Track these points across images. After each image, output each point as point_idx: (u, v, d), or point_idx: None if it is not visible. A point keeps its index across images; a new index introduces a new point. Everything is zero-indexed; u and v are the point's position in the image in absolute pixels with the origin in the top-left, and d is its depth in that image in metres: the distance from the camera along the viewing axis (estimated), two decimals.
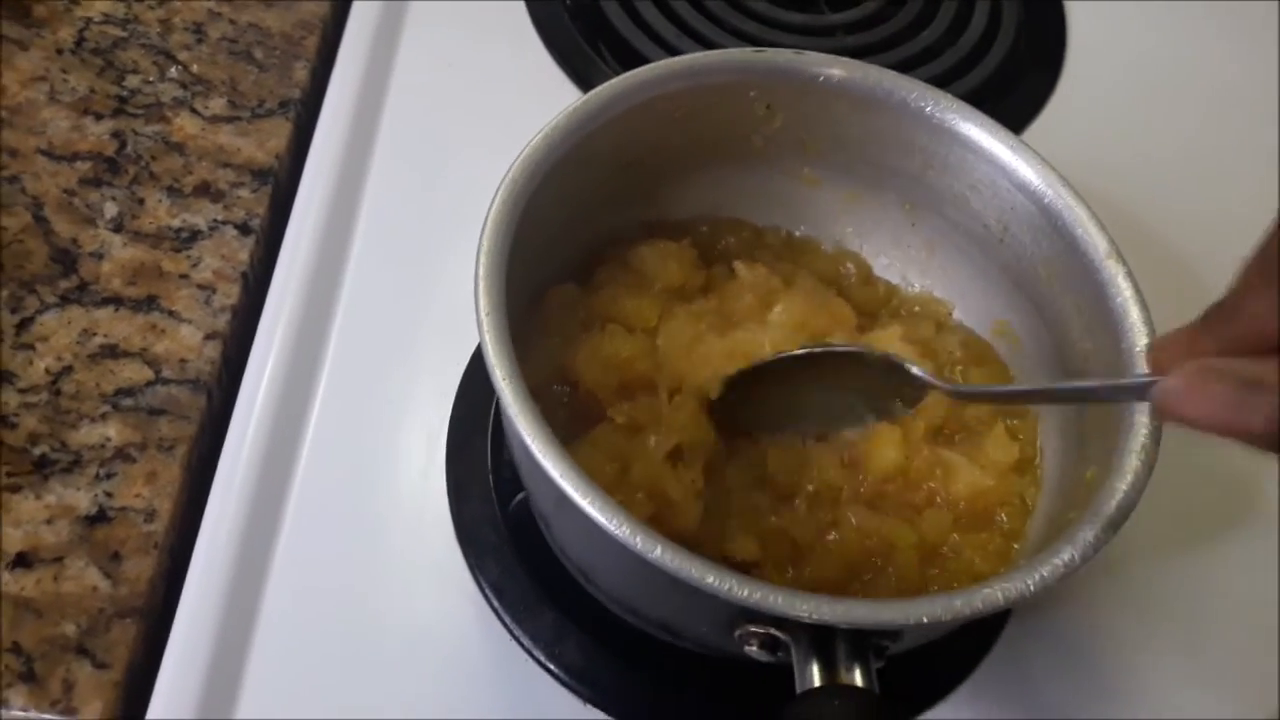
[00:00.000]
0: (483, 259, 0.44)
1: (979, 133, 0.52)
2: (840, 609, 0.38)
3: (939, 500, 0.50)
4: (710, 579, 0.38)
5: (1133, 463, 0.42)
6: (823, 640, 0.39)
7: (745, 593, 0.38)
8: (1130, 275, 0.48)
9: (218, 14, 0.68)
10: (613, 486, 0.47)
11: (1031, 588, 0.39)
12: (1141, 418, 0.43)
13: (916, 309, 0.57)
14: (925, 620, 0.38)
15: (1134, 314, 0.47)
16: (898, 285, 0.58)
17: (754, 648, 0.40)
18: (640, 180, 0.55)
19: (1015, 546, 0.49)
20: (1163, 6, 0.83)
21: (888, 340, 0.53)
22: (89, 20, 0.66)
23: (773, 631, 0.39)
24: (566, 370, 0.51)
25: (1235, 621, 0.57)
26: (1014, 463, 0.51)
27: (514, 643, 0.51)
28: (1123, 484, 0.42)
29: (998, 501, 0.50)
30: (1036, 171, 0.51)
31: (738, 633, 0.40)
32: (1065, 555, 0.40)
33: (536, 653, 0.51)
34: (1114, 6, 0.82)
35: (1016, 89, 0.76)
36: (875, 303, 0.57)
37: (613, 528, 0.38)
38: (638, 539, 0.38)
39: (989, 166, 0.52)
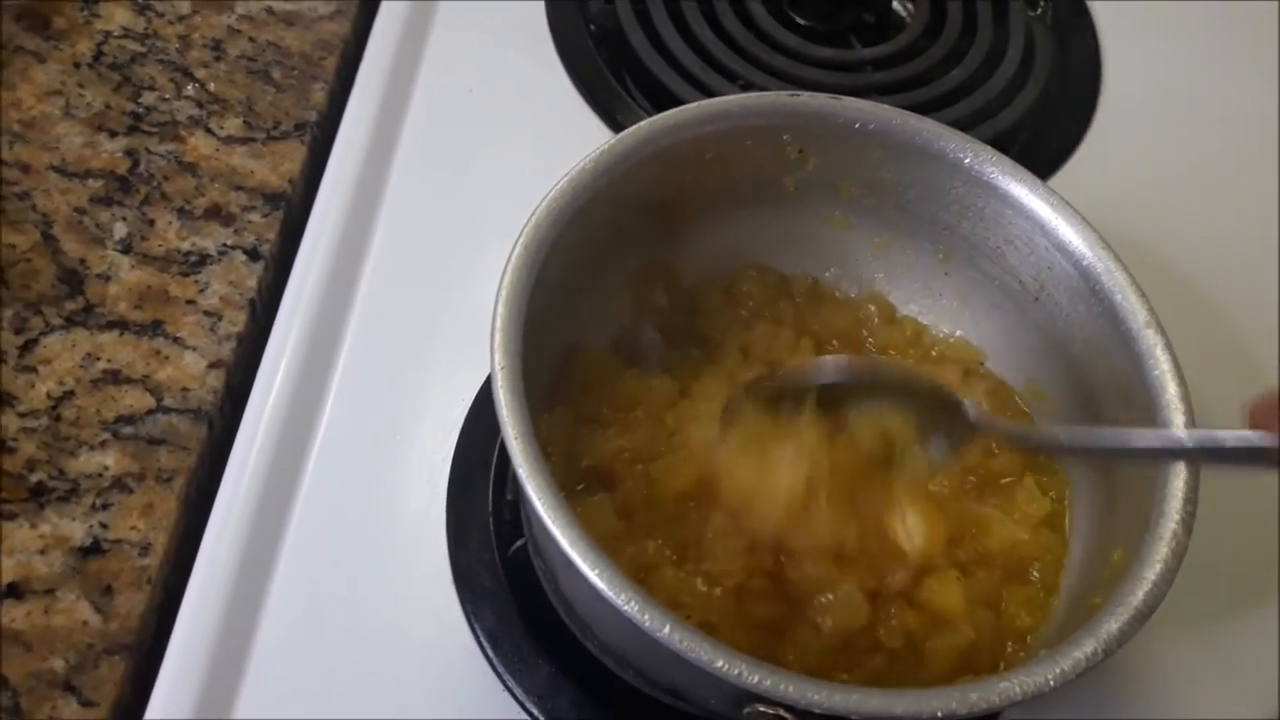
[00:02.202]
0: (500, 309, 0.43)
1: (1018, 188, 0.50)
2: (854, 699, 0.37)
3: (982, 557, 0.49)
4: (720, 663, 0.36)
5: (1163, 551, 0.40)
6: None
7: (755, 679, 0.36)
8: (1169, 348, 0.46)
9: (238, 31, 0.67)
10: (621, 538, 0.46)
11: (1051, 683, 0.38)
12: (1174, 504, 0.42)
13: (947, 353, 0.56)
14: (940, 716, 0.36)
15: (1171, 389, 0.45)
16: (926, 326, 0.57)
17: None
18: (667, 220, 0.54)
19: (1054, 601, 0.48)
20: (1200, 46, 0.81)
21: None
22: (108, 34, 0.66)
23: (782, 714, 0.38)
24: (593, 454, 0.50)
25: (1235, 621, 0.56)
26: (1045, 516, 0.50)
27: (506, 693, 0.50)
28: (1151, 574, 0.40)
29: (1031, 557, 0.49)
30: (1077, 232, 0.49)
31: (746, 710, 0.39)
32: (1088, 648, 0.39)
33: (529, 705, 0.49)
34: (1150, 45, 0.80)
35: (1050, 129, 0.74)
36: (902, 343, 0.56)
37: (620, 603, 0.37)
38: (646, 616, 0.37)
39: (1027, 223, 0.51)
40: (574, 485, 0.49)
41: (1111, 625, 0.39)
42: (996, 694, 0.37)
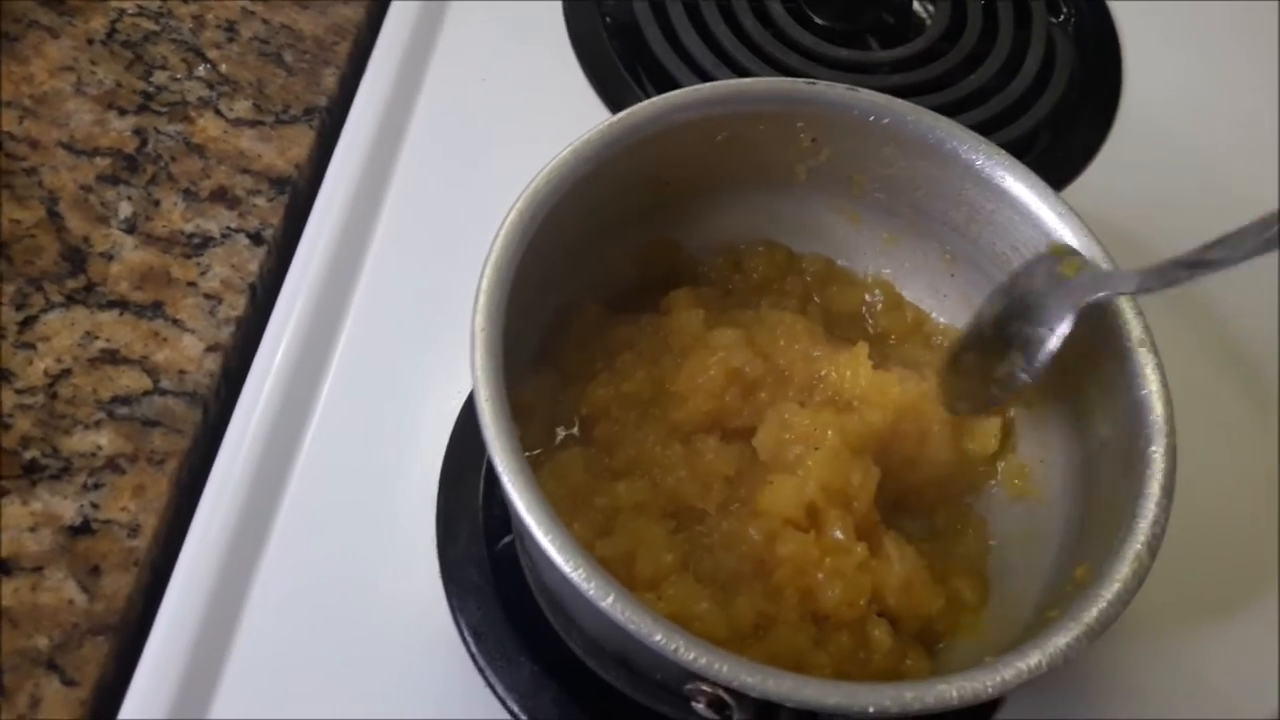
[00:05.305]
0: (488, 272, 0.43)
1: (1026, 193, 0.50)
2: (787, 686, 0.36)
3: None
4: (658, 637, 0.37)
5: (1124, 571, 0.40)
6: (769, 709, 0.38)
7: (691, 656, 0.36)
8: (1160, 368, 0.45)
9: (251, 12, 0.67)
10: (590, 488, 0.47)
11: (990, 689, 0.38)
12: (1143, 525, 0.41)
13: (947, 341, 0.56)
14: (871, 711, 0.36)
15: (1157, 410, 0.44)
16: (929, 313, 0.56)
17: (701, 704, 0.39)
18: (675, 198, 0.54)
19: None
20: (1222, 55, 0.80)
21: (855, 357, 0.51)
22: (122, 11, 0.66)
23: (720, 693, 0.38)
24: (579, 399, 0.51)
25: (1234, 621, 0.56)
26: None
27: (488, 689, 0.50)
28: (1108, 593, 0.40)
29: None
30: (1080, 243, 0.49)
31: (688, 687, 0.39)
32: (1032, 660, 0.38)
33: (510, 703, 0.49)
34: (1172, 54, 0.79)
35: (1069, 135, 0.73)
36: (903, 329, 0.56)
37: (568, 569, 0.37)
38: (591, 584, 0.37)
39: (1033, 231, 0.50)
40: (552, 444, 0.49)
41: (1060, 640, 0.39)
42: (933, 695, 0.37)
